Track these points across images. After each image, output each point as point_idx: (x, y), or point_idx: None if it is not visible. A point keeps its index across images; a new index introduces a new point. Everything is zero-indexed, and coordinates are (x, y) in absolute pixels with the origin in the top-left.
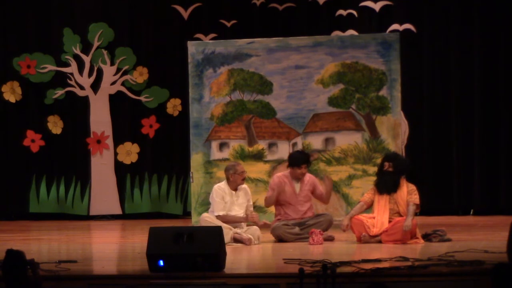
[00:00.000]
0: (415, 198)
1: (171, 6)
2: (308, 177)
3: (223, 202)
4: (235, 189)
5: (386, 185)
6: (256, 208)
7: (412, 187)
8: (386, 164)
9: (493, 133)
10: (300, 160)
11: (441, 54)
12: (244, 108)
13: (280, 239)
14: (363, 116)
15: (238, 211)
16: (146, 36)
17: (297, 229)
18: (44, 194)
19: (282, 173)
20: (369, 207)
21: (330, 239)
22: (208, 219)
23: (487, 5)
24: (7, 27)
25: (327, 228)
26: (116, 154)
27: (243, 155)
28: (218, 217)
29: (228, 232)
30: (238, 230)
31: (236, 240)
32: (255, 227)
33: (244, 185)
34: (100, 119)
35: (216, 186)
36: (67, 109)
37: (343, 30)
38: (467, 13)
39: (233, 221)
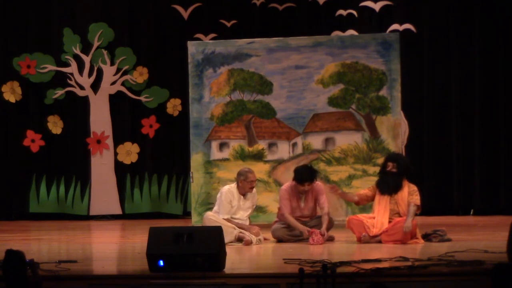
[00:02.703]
0: (416, 199)
1: (171, 6)
2: (314, 187)
3: (230, 206)
4: (243, 194)
5: (388, 186)
6: (256, 208)
7: (414, 187)
8: (390, 164)
9: (493, 133)
10: (302, 178)
11: (441, 54)
12: (244, 108)
13: (280, 240)
14: (363, 116)
15: (242, 215)
16: (146, 36)
17: (297, 231)
18: (44, 194)
19: (288, 184)
20: (361, 201)
21: (330, 239)
22: (212, 218)
23: (487, 5)
24: (7, 27)
25: (328, 229)
26: (116, 154)
27: (243, 155)
28: (226, 220)
29: (232, 231)
30: (242, 230)
31: (240, 239)
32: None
33: (253, 190)
34: (100, 119)
35: (226, 189)
36: (67, 109)
37: (343, 30)
38: (467, 13)
39: (239, 227)
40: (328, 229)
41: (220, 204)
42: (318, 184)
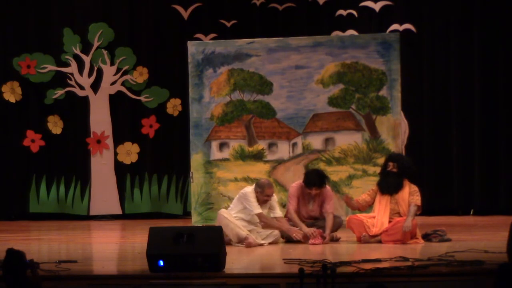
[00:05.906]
0: (417, 199)
1: (171, 6)
2: (322, 191)
3: (256, 201)
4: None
5: (388, 185)
6: None
7: (415, 188)
8: (390, 164)
9: (493, 133)
10: (310, 182)
11: (441, 54)
12: (244, 108)
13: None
14: (363, 116)
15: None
16: (146, 36)
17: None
18: (44, 194)
19: (299, 182)
20: (361, 208)
21: (336, 239)
22: (225, 215)
23: (487, 5)
24: (7, 27)
25: (336, 229)
26: (116, 154)
27: (243, 155)
28: (259, 215)
29: (241, 233)
30: (250, 230)
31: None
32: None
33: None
34: (100, 119)
35: (248, 189)
36: (67, 109)
37: (343, 30)
38: (467, 13)
39: (271, 226)
40: (334, 230)
41: (248, 202)
42: (328, 189)
